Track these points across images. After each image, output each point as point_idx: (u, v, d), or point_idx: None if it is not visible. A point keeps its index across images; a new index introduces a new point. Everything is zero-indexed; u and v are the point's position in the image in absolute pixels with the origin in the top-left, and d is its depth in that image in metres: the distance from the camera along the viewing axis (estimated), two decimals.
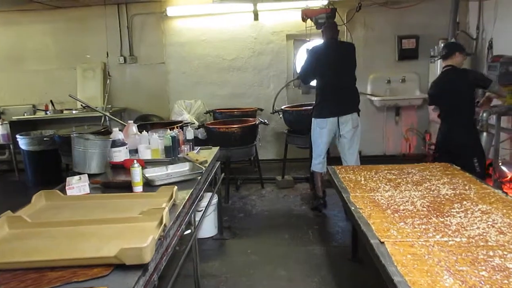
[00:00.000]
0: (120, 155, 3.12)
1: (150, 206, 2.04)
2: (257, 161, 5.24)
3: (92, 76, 6.37)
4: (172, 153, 3.31)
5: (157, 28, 6.34)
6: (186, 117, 5.65)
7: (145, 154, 3.35)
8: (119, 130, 3.38)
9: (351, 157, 4.24)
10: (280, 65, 6.35)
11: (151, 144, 3.39)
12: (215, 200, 3.82)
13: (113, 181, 2.70)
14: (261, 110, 6.20)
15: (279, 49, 6.31)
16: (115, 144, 3.12)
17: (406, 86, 6.17)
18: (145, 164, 3.08)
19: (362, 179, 2.90)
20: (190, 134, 3.67)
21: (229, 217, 4.36)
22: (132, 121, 3.59)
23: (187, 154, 3.27)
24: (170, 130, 3.56)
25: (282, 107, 5.13)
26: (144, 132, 3.54)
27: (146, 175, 2.66)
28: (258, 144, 5.06)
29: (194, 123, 5.27)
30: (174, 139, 3.38)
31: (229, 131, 4.65)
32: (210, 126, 4.76)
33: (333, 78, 4.12)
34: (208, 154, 3.48)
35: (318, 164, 4.32)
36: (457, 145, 3.67)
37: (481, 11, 5.54)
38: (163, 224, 1.82)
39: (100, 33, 6.27)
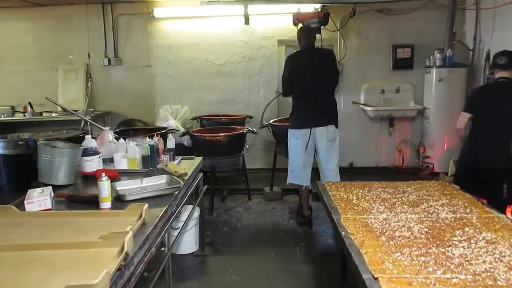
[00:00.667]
0: (92, 164, 2.86)
1: (115, 226, 1.80)
2: (245, 171, 5.00)
3: (74, 78, 6.09)
4: (150, 164, 3.07)
5: (143, 29, 6.09)
6: (172, 123, 5.40)
7: (121, 163, 3.10)
8: (92, 137, 3.14)
9: (329, 172, 4.01)
10: (271, 71, 6.14)
11: (128, 153, 3.14)
12: (196, 213, 3.57)
13: (79, 194, 2.44)
14: (251, 117, 5.96)
15: (270, 54, 6.10)
16: (87, 152, 2.87)
17: (400, 97, 5.97)
18: (119, 175, 2.84)
19: (354, 197, 2.68)
20: (171, 142, 3.42)
21: (213, 231, 4.11)
22: (108, 128, 3.33)
23: (166, 165, 3.02)
24: (150, 138, 3.32)
25: (271, 121, 4.90)
26: (121, 140, 3.29)
27: (117, 189, 2.41)
28: (245, 153, 4.83)
29: (179, 130, 5.02)
30: (152, 148, 3.14)
31: (215, 140, 4.40)
32: (195, 134, 4.51)
33: (308, 87, 3.89)
34: (189, 166, 3.23)
35: (295, 177, 4.12)
36: (489, 169, 3.22)
37: (478, 21, 5.37)
38: (124, 252, 1.58)
39: (83, 33, 6.00)
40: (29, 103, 5.90)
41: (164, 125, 5.34)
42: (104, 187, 2.17)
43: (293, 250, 3.66)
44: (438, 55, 5.44)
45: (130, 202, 2.23)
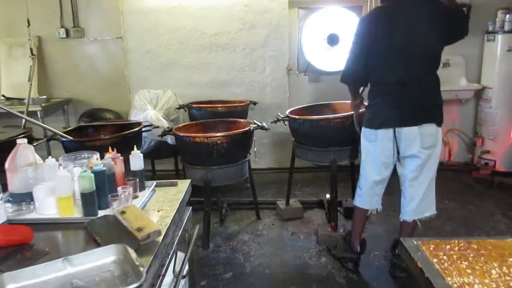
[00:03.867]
0: None
1: None
2: (251, 178, 3.63)
3: (21, 55, 4.61)
4: (94, 207, 1.74)
5: None
6: (150, 114, 3.98)
7: (45, 206, 1.77)
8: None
9: (414, 193, 2.61)
10: (280, 43, 4.70)
11: (59, 185, 1.76)
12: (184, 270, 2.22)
13: None
14: (255, 103, 4.57)
15: (278, 20, 4.65)
16: None
17: (448, 73, 4.57)
18: (34, 235, 1.51)
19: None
20: (137, 161, 2.04)
21: (210, 280, 2.78)
22: (25, 141, 1.92)
23: (123, 212, 1.64)
24: (100, 157, 1.95)
25: (288, 112, 3.39)
26: (49, 160, 1.90)
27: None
28: (254, 159, 3.46)
29: (158, 126, 3.61)
30: (102, 177, 1.80)
31: (209, 142, 3.02)
32: (181, 134, 3.11)
33: (397, 63, 2.46)
34: (167, 203, 1.88)
35: (361, 196, 2.77)
36: None
37: None
38: None
39: None
40: None
41: (140, 118, 3.94)
42: None
43: None
44: (507, 16, 4.05)
45: None
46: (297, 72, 4.81)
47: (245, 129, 3.14)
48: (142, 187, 2.03)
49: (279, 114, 3.38)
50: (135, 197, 1.92)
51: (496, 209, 3.71)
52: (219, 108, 4.16)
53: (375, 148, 2.61)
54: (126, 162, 2.01)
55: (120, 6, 4.62)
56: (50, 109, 4.67)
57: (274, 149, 4.94)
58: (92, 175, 1.72)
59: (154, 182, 2.11)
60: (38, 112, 4.29)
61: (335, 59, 4.66)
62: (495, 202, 3.85)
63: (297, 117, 3.21)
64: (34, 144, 3.48)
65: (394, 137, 2.51)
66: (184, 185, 2.14)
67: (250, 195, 3.74)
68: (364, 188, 2.73)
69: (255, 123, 3.27)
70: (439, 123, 2.50)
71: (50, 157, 1.92)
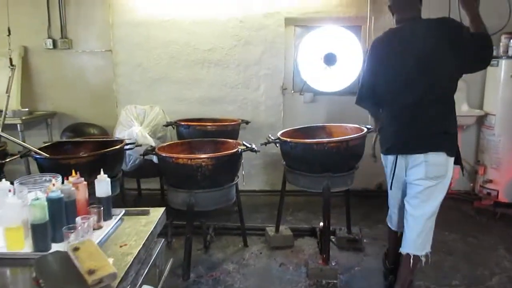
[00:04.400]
0: None
1: None
2: (239, 205, 3.40)
3: (4, 65, 4.41)
4: (46, 241, 1.52)
5: (101, 1, 4.44)
6: (136, 131, 3.77)
7: None
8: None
9: (414, 222, 2.45)
10: (275, 60, 4.52)
11: (8, 213, 1.54)
12: None
13: None
14: (247, 123, 4.38)
15: (274, 38, 4.48)
16: None
17: None
18: None
19: None
20: (103, 187, 1.82)
21: None
22: None
23: (76, 248, 1.41)
24: (57, 182, 1.74)
25: (279, 134, 3.18)
26: (1, 184, 1.68)
27: None
28: (241, 182, 3.24)
29: (141, 145, 3.40)
30: (58, 205, 1.59)
31: (193, 164, 2.80)
32: (163, 154, 2.89)
33: (404, 87, 2.35)
34: (134, 238, 1.65)
35: (389, 216, 2.77)
36: None
37: None
38: None
39: (19, 4, 4.34)
40: None
41: (125, 135, 3.73)
42: None
43: None
44: (511, 41, 3.90)
45: None
46: (292, 91, 4.63)
47: (232, 151, 2.93)
48: (108, 216, 1.81)
49: (270, 136, 3.17)
50: (99, 227, 1.71)
51: (499, 243, 3.48)
52: (208, 127, 3.95)
53: (387, 172, 2.60)
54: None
55: (110, 18, 4.46)
56: (32, 123, 4.46)
57: (266, 171, 4.73)
58: (45, 203, 1.51)
59: (123, 210, 1.89)
60: (18, 125, 4.08)
61: (332, 79, 4.50)
62: (498, 236, 3.62)
63: (288, 140, 3.00)
64: (7, 161, 3.28)
65: (400, 163, 2.44)
66: (156, 214, 1.92)
67: (238, 219, 3.50)
68: (390, 208, 2.72)
69: (244, 145, 3.06)
70: (449, 152, 2.30)
71: (4, 179, 1.70)
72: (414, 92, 2.30)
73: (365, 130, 3.04)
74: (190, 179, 2.83)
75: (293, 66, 4.61)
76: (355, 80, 4.53)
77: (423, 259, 2.45)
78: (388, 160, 2.52)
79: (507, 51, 3.93)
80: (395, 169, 2.45)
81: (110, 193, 1.81)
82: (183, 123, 3.99)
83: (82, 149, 3.33)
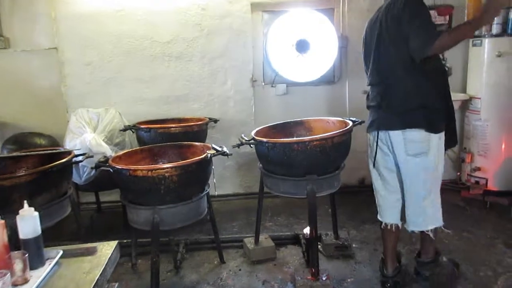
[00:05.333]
0: None
1: None
2: (212, 216, 2.98)
3: None
4: None
5: None
6: (88, 138, 3.29)
7: None
8: None
9: (410, 202, 2.39)
10: (243, 50, 4.11)
11: None
12: None
13: None
14: (215, 121, 3.97)
15: (240, 26, 4.07)
16: None
17: None
18: None
19: None
20: (29, 224, 1.37)
21: None
22: None
23: None
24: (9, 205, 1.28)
25: (253, 134, 2.76)
26: None
27: None
28: (213, 191, 2.83)
29: (91, 156, 2.91)
30: None
31: (155, 176, 2.36)
32: (118, 167, 2.44)
33: (374, 66, 2.41)
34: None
35: (380, 208, 2.57)
36: None
37: None
38: None
39: None
40: None
41: (76, 144, 3.25)
42: None
43: None
44: (495, 18, 3.62)
45: None
46: (263, 83, 4.23)
47: (200, 157, 2.51)
48: (39, 262, 1.37)
49: (242, 136, 2.76)
50: (24, 282, 1.27)
51: (496, 237, 3.22)
52: (172, 128, 3.51)
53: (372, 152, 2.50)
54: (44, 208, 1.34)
55: (53, 12, 3.91)
56: None
57: (240, 172, 4.33)
58: None
59: (60, 252, 1.45)
60: None
61: (306, 68, 4.12)
62: (492, 229, 3.36)
63: (265, 139, 2.60)
64: None
65: (382, 140, 2.40)
66: (106, 251, 1.49)
67: (212, 231, 3.09)
68: (379, 198, 2.55)
69: (213, 148, 2.65)
70: (429, 128, 2.25)
71: None
72: (380, 71, 2.35)
73: (350, 123, 2.68)
74: (152, 194, 2.39)
75: (262, 56, 4.19)
76: (331, 68, 4.18)
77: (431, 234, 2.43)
78: (369, 137, 2.52)
79: (491, 29, 3.66)
80: (377, 146, 2.41)
81: (39, 232, 1.37)
82: (143, 126, 3.53)
83: (23, 165, 2.83)
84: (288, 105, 4.24)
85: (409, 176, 2.34)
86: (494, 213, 3.67)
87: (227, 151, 2.64)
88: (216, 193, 4.17)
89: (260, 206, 3.00)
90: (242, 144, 2.66)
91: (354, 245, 3.13)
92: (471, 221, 3.52)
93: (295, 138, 2.67)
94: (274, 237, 3.21)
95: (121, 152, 2.83)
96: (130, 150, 2.96)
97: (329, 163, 2.54)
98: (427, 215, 2.38)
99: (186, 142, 2.95)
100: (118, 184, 2.59)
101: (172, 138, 3.33)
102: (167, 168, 2.37)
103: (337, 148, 2.52)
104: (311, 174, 2.52)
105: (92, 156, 2.88)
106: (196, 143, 2.91)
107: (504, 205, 3.77)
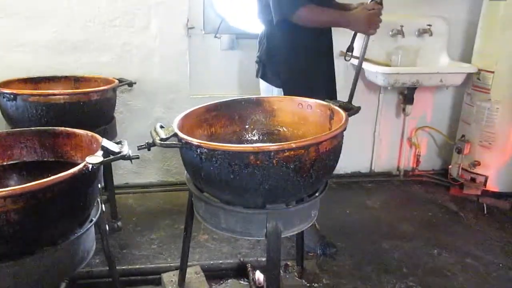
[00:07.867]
0: None
1: None
2: (108, 255, 1.84)
3: None
4: None
5: None
6: None
7: None
8: None
9: None
10: None
11: None
12: None
13: None
14: (130, 84, 2.72)
15: None
16: None
17: (422, 45, 3.13)
18: None
19: None
20: None
21: None
22: None
23: None
24: None
25: (177, 126, 1.52)
26: None
27: None
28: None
29: None
30: None
31: None
32: None
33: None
34: None
35: None
36: None
37: None
38: None
39: None
40: None
41: None
42: None
43: None
44: None
45: None
46: (203, 32, 3.00)
47: (72, 171, 1.31)
48: None
49: (157, 129, 1.55)
50: None
51: (504, 261, 2.41)
52: (56, 96, 2.22)
53: None
54: None
55: None
56: None
57: (167, 154, 3.16)
58: None
59: None
60: None
61: None
62: (501, 250, 2.54)
63: (195, 142, 1.43)
64: None
65: None
66: None
67: (117, 243, 1.98)
68: None
69: (103, 148, 1.46)
70: (271, 81, 2.26)
71: None
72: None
73: (343, 115, 1.59)
74: None
75: None
76: None
77: None
78: None
79: None
80: None
81: None
82: (7, 91, 2.21)
83: None
84: (238, 65, 3.09)
85: None
86: (495, 223, 2.85)
87: (130, 153, 1.48)
88: (132, 182, 3.06)
89: (187, 237, 1.88)
90: (153, 145, 1.48)
91: (325, 281, 2.17)
92: (471, 237, 2.67)
93: (251, 146, 1.56)
94: (209, 267, 2.16)
95: None
96: None
97: (307, 185, 1.46)
98: None
99: (61, 129, 1.71)
100: None
101: (56, 112, 2.13)
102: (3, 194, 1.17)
103: (323, 161, 1.44)
104: (275, 203, 1.45)
105: None
106: (80, 131, 1.68)
107: (504, 209, 2.99)
